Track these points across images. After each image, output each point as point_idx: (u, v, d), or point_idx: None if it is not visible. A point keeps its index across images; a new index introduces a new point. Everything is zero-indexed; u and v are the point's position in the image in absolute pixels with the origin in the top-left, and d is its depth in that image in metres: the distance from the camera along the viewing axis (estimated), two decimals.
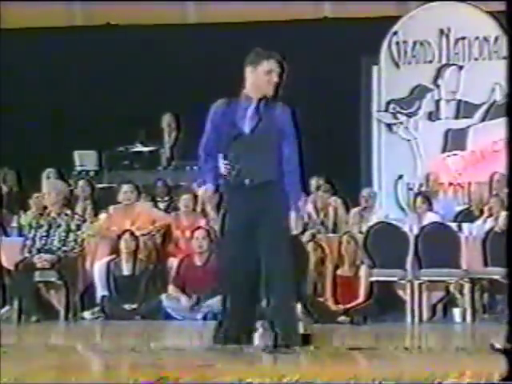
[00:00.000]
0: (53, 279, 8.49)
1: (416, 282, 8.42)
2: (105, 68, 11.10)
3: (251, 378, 4.08)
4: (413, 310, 8.34)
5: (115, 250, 8.67)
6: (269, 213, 5.41)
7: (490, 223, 8.74)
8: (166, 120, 10.51)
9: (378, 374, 4.20)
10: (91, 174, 10.49)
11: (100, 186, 10.19)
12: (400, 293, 8.51)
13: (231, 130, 5.46)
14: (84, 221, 8.69)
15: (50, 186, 8.82)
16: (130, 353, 5.44)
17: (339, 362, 5.15)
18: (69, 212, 8.63)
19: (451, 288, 8.50)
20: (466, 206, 9.81)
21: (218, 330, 5.53)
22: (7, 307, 8.51)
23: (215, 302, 7.62)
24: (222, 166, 5.46)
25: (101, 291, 8.50)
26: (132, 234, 8.64)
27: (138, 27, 11.11)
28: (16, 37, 11.06)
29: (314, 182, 9.94)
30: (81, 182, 9.90)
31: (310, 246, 8.48)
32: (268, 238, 5.41)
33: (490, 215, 8.86)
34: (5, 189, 10.19)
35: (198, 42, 10.78)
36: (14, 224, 9.24)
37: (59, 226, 8.53)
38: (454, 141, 10.54)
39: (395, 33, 10.67)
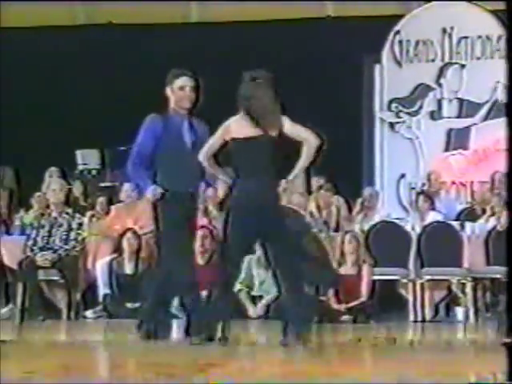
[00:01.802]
0: (55, 278, 8.56)
1: (418, 281, 8.48)
2: (107, 66, 11.16)
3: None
4: (415, 309, 8.40)
5: (117, 249, 8.72)
6: None
7: (492, 222, 8.80)
8: None
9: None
10: (93, 172, 10.55)
11: (102, 184, 10.25)
12: (402, 292, 8.57)
13: (175, 143, 5.94)
14: (94, 218, 8.73)
15: (53, 185, 8.87)
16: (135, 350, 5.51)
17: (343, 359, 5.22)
18: (70, 211, 8.69)
19: (453, 287, 8.55)
20: (469, 205, 9.87)
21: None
22: (10, 306, 8.58)
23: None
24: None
25: (103, 290, 8.56)
26: (134, 232, 8.70)
27: (140, 26, 11.16)
28: (17, 35, 11.12)
29: (315, 182, 10.01)
30: (83, 181, 9.94)
31: (311, 245, 8.54)
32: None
33: (493, 214, 8.93)
34: (4, 187, 10.23)
35: (200, 41, 10.84)
36: (17, 223, 9.29)
37: (61, 225, 8.60)
38: (457, 140, 10.60)
39: (397, 32, 10.74)
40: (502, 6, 7.88)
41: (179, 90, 5.99)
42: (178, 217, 5.88)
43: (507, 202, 8.30)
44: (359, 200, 9.67)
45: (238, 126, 5.71)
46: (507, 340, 5.16)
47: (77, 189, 9.80)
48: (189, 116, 6.04)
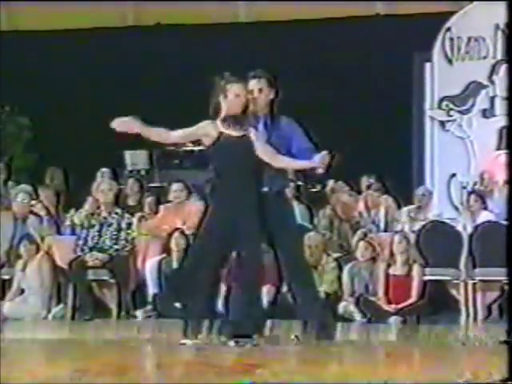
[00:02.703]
0: (105, 278, 8.69)
1: (470, 282, 8.45)
2: (156, 66, 11.28)
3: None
4: (467, 310, 8.37)
5: (166, 249, 8.83)
6: None
7: None
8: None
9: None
10: (142, 173, 10.68)
11: (151, 185, 10.37)
12: (453, 292, 8.55)
13: None
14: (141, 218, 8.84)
15: (102, 185, 9.00)
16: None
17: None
18: (119, 211, 8.82)
19: (506, 287, 8.49)
20: None
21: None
22: (61, 305, 8.74)
23: None
24: None
25: (152, 289, 8.67)
26: (182, 232, 8.80)
27: (182, 27, 11.26)
28: (66, 37, 11.29)
29: (364, 181, 10.02)
30: (132, 181, 10.06)
31: (361, 245, 8.56)
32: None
33: None
34: (54, 188, 10.39)
35: (246, 40, 10.90)
36: (67, 223, 9.45)
37: (110, 224, 8.72)
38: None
39: (448, 29, 10.69)
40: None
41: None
42: None
43: (508, 202, 8.26)
44: (410, 199, 9.65)
45: (221, 125, 5.83)
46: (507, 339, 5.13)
47: (130, 188, 9.90)
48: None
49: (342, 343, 6.14)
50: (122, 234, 8.71)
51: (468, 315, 8.38)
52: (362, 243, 8.61)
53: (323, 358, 5.24)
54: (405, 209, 9.56)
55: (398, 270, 8.42)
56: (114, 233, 8.71)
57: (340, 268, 8.55)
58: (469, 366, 4.95)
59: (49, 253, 8.92)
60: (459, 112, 10.70)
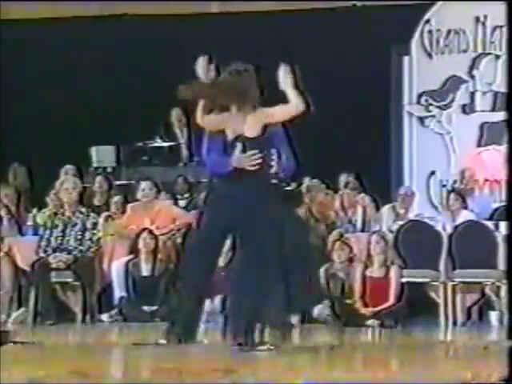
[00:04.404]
0: (69, 280, 8.62)
1: (450, 284, 8.47)
2: (121, 60, 11.21)
3: None
4: (446, 313, 8.39)
5: (134, 250, 8.78)
6: None
7: None
8: (175, 114, 10.57)
9: None
10: (109, 170, 10.60)
11: (118, 183, 10.30)
12: (433, 295, 8.56)
13: None
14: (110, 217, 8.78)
15: (66, 184, 8.92)
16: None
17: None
18: (84, 210, 8.75)
19: (487, 290, 8.53)
20: (504, 204, 9.82)
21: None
22: (22, 309, 8.65)
23: None
24: None
25: (119, 292, 8.61)
26: (151, 232, 8.75)
27: (155, 17, 11.19)
28: (26, 29, 11.18)
29: (342, 179, 10.01)
30: (98, 179, 9.99)
31: (337, 245, 8.55)
32: None
33: None
34: (16, 186, 10.30)
35: (218, 32, 10.85)
36: (29, 222, 9.37)
37: (75, 224, 8.65)
38: (491, 134, 10.55)
39: (427, 21, 10.71)
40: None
41: None
42: None
43: (507, 202, 8.30)
44: (388, 198, 9.66)
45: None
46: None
47: (99, 186, 9.81)
48: None
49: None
50: (87, 235, 8.64)
51: (447, 318, 8.39)
52: (338, 244, 8.60)
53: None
54: (383, 208, 9.56)
55: (375, 271, 8.42)
56: (79, 233, 8.64)
57: None
58: (451, 370, 4.95)
59: (9, 254, 8.83)
60: (438, 107, 10.73)
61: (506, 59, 10.17)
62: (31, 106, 11.26)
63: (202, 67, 5.91)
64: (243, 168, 5.74)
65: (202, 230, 5.95)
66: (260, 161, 5.72)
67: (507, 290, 7.41)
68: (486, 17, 10.56)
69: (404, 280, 8.41)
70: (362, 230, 9.28)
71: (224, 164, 5.79)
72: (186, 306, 5.87)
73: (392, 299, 8.31)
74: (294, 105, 5.69)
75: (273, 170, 5.86)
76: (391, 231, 8.89)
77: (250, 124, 5.72)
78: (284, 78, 5.72)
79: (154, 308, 8.50)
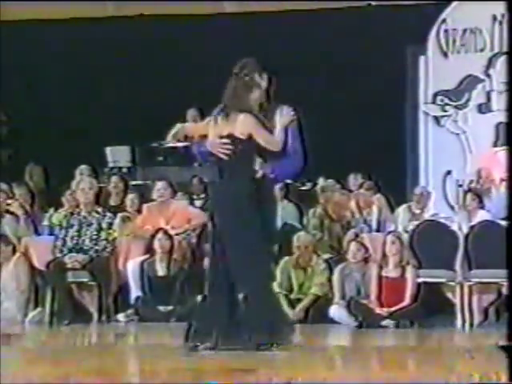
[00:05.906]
0: (85, 280, 8.68)
1: (466, 284, 8.47)
2: (136, 60, 11.26)
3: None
4: (463, 314, 8.39)
5: (149, 250, 8.82)
6: None
7: None
8: (191, 114, 10.62)
9: None
10: (124, 170, 10.65)
11: (133, 183, 10.34)
12: (449, 295, 8.57)
13: None
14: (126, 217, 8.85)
15: (82, 184, 8.98)
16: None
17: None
18: (100, 210, 8.80)
19: (504, 290, 8.52)
20: None
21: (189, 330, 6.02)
22: (39, 309, 8.72)
23: None
24: None
25: (135, 292, 8.66)
26: (166, 233, 8.80)
27: (169, 19, 11.24)
28: (40, 32, 11.25)
29: (356, 179, 10.03)
30: (113, 179, 10.03)
31: (352, 245, 8.58)
32: None
33: None
34: (31, 186, 10.36)
35: (233, 33, 10.90)
36: (45, 222, 9.42)
37: (90, 224, 8.71)
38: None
39: (444, 20, 10.71)
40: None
41: None
42: None
43: (507, 202, 8.29)
44: (404, 198, 9.66)
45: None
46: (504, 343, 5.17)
47: (115, 186, 9.86)
48: None
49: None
50: (103, 235, 8.69)
51: (464, 319, 8.40)
52: (353, 244, 8.62)
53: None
54: (398, 208, 9.57)
55: (390, 271, 8.44)
56: (95, 233, 8.69)
57: (330, 270, 8.56)
58: (465, 371, 4.98)
59: (26, 254, 8.90)
60: (454, 107, 10.73)
61: (505, 59, 10.17)
62: (47, 106, 11.33)
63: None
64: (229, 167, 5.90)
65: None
66: (229, 152, 5.89)
67: (507, 290, 7.39)
68: (503, 15, 10.54)
69: (420, 280, 8.42)
70: (378, 230, 9.30)
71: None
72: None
73: (408, 299, 8.33)
74: (277, 142, 6.01)
75: (258, 175, 5.99)
76: (407, 231, 8.91)
77: (240, 123, 5.91)
78: (281, 117, 6.01)
79: (170, 308, 8.54)
